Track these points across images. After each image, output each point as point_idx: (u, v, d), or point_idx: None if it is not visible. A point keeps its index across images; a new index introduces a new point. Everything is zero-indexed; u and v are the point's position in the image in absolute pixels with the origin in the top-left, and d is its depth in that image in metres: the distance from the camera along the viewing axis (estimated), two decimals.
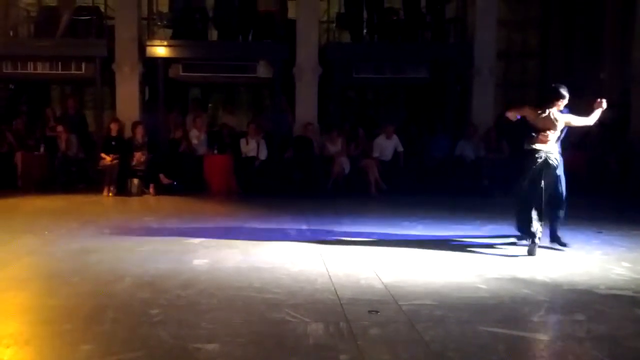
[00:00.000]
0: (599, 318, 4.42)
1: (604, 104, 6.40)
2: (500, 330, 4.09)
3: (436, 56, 12.69)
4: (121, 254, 6.16)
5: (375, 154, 11.37)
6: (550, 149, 6.31)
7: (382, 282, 5.17)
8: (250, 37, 12.95)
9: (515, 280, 5.37)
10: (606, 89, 13.16)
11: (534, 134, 6.29)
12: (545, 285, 5.23)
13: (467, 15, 12.73)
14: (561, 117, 6.31)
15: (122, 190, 10.63)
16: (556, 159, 6.34)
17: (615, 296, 4.97)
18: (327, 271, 5.49)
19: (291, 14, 13.24)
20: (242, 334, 3.97)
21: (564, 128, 6.36)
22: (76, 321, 4.18)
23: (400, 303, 4.61)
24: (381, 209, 9.48)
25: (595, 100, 6.44)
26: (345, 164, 11.29)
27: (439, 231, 7.57)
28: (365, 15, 13.04)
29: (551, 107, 6.26)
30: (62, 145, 11.35)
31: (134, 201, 10.24)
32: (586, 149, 11.63)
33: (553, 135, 6.30)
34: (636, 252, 6.38)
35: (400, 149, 11.50)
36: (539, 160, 6.29)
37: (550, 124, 6.27)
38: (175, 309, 4.41)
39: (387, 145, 11.48)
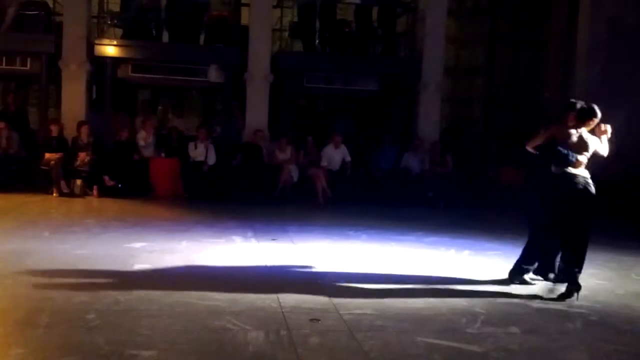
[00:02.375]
0: (533, 331, 4.57)
1: (609, 131, 5.73)
2: (437, 341, 4.18)
3: (385, 69, 12.86)
4: (59, 256, 6.01)
5: (323, 163, 11.44)
6: (585, 174, 5.59)
7: (325, 291, 5.20)
8: (202, 41, 12.86)
9: (454, 291, 5.50)
10: (549, 108, 13.66)
11: (568, 157, 5.55)
12: (482, 297, 5.36)
13: (417, 30, 12.98)
14: (592, 140, 5.66)
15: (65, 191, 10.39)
16: (592, 186, 5.58)
17: (549, 310, 5.14)
18: (271, 279, 5.51)
19: (244, 20, 13.23)
20: (181, 341, 3.93)
21: None
22: (9, 325, 4.07)
23: (341, 312, 4.66)
24: (327, 217, 9.54)
25: (598, 127, 5.73)
26: (293, 172, 11.31)
27: (383, 241, 7.67)
28: (317, 25, 13.12)
29: (582, 127, 5.65)
30: (3, 143, 11.01)
31: (76, 202, 10.01)
32: (526, 164, 11.96)
33: (585, 159, 5.62)
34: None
35: (348, 159, 11.61)
36: (579, 187, 5.52)
37: (584, 146, 5.60)
38: (113, 315, 4.34)
39: (335, 155, 11.57)
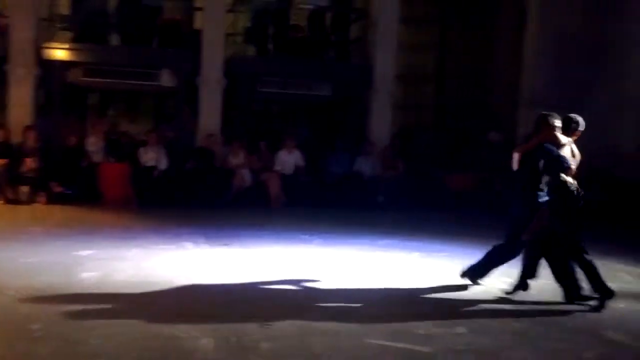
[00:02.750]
0: (480, 331, 4.67)
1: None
2: (387, 343, 4.24)
3: (338, 75, 12.97)
4: (4, 265, 5.84)
5: (277, 168, 11.44)
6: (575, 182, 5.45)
7: (276, 296, 5.23)
8: (154, 45, 12.72)
9: (404, 294, 5.58)
10: (495, 113, 13.99)
11: (563, 161, 5.40)
12: (432, 299, 5.47)
13: (369, 36, 13.12)
14: (577, 152, 5.60)
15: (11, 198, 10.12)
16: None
17: (496, 310, 5.27)
18: (222, 285, 5.49)
19: (198, 25, 13.13)
20: (129, 350, 3.88)
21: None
22: None
23: (292, 316, 4.68)
24: (280, 222, 9.51)
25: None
26: (246, 176, 11.27)
27: (335, 245, 7.70)
28: (271, 30, 13.13)
29: (571, 137, 5.56)
30: None
31: (23, 209, 9.74)
32: (475, 169, 12.23)
33: (574, 168, 5.51)
34: (516, 268, 6.69)
35: (301, 163, 11.63)
36: (579, 197, 5.36)
37: (573, 155, 5.52)
38: (58, 325, 4.26)
39: (288, 159, 11.59)
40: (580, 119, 5.66)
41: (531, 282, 5.71)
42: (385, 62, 12.67)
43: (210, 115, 12.19)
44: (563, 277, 5.51)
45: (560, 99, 11.60)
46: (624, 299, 5.40)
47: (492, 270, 5.85)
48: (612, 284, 5.41)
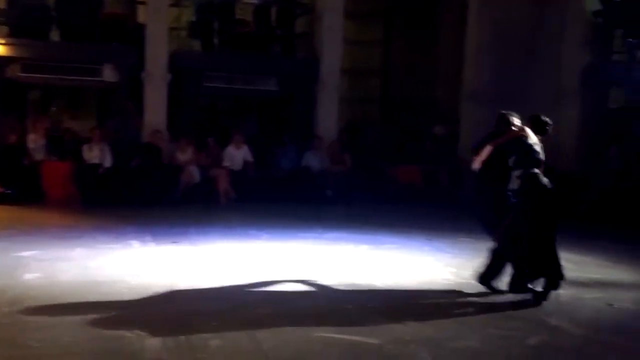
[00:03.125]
0: (426, 322, 4.76)
1: None
2: (335, 335, 4.29)
3: (285, 70, 12.98)
4: None
5: (226, 164, 11.37)
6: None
7: (225, 292, 5.21)
8: (96, 40, 12.42)
9: (352, 287, 5.64)
10: (440, 107, 14.24)
11: (538, 155, 5.45)
12: (380, 291, 5.54)
13: (315, 31, 13.17)
14: (543, 152, 5.61)
15: None
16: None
17: (441, 301, 5.37)
18: (170, 283, 5.43)
19: (141, 19, 12.90)
20: (74, 352, 3.82)
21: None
22: None
23: (241, 312, 4.69)
24: (229, 218, 9.47)
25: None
26: (194, 172, 11.16)
27: (283, 239, 7.73)
28: (216, 25, 13.01)
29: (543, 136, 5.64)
30: None
31: None
32: (420, 162, 12.44)
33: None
34: (461, 259, 6.89)
35: (250, 159, 11.59)
36: (550, 191, 5.40)
37: (542, 151, 5.55)
38: (0, 328, 4.14)
39: (236, 155, 11.53)
40: (548, 119, 5.68)
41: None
42: (331, 57, 12.76)
43: (155, 111, 12.02)
44: (516, 264, 5.49)
45: (502, 92, 11.93)
46: (567, 287, 5.56)
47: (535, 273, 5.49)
48: None
